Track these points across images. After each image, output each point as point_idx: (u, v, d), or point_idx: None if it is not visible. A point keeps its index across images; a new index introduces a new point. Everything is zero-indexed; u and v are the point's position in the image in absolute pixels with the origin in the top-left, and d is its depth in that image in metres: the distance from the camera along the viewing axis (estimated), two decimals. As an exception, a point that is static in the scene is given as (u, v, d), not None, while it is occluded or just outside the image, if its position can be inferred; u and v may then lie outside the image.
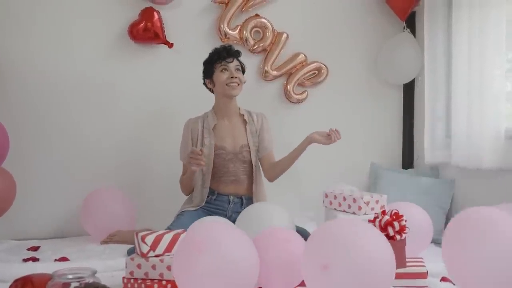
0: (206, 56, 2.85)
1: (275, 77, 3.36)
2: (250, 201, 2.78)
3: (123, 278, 1.97)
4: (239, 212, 2.50)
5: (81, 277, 1.66)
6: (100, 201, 2.87)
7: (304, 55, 3.37)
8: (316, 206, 2.64)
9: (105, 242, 2.79)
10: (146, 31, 3.09)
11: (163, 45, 3.17)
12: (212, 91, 2.83)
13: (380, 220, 2.13)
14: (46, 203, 3.07)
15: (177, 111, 3.17)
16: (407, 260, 2.12)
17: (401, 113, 3.60)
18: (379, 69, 3.50)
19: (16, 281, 1.88)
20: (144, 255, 1.95)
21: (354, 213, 2.26)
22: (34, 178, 3.04)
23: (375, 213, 2.23)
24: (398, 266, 1.74)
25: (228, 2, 3.23)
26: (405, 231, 2.12)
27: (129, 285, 1.96)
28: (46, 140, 3.07)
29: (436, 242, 2.86)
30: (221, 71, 2.74)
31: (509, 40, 2.75)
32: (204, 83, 2.84)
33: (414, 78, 3.49)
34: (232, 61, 2.74)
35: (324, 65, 3.40)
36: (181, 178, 2.81)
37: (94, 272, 1.71)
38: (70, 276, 1.67)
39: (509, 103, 2.83)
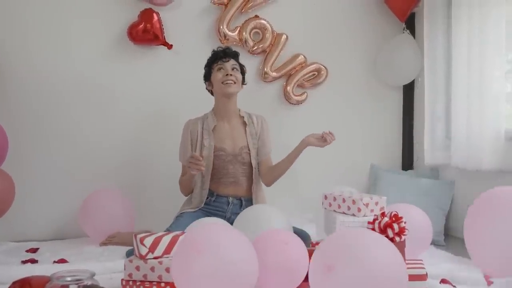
0: (205, 57, 2.85)
1: (275, 78, 3.36)
2: (249, 202, 2.78)
3: (122, 280, 1.97)
4: (238, 214, 2.49)
5: (80, 279, 1.65)
6: (99, 202, 2.86)
7: (304, 56, 3.37)
8: (316, 207, 2.64)
9: (104, 243, 2.79)
10: (146, 32, 3.09)
11: (162, 46, 3.17)
12: (213, 93, 2.84)
13: (380, 222, 2.13)
14: (45, 205, 3.06)
15: (177, 112, 3.17)
16: (406, 262, 2.11)
17: (400, 115, 3.60)
18: (379, 71, 3.49)
19: (14, 283, 1.88)
20: (143, 257, 1.95)
21: (353, 214, 2.25)
22: (33, 179, 3.03)
23: (375, 214, 2.22)
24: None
25: (227, 3, 3.22)
26: (404, 233, 2.11)
27: (127, 287, 1.95)
28: (45, 142, 3.06)
29: (436, 243, 2.87)
30: (218, 70, 2.75)
31: (509, 41, 2.75)
32: (206, 88, 2.85)
33: (414, 79, 3.49)
34: (228, 61, 2.75)
35: (324, 66, 3.40)
36: (180, 179, 2.81)
37: (92, 274, 1.71)
38: (69, 279, 1.66)
39: (509, 104, 2.83)
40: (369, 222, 2.18)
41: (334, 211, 2.35)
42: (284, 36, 3.32)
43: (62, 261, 2.45)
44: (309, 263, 1.71)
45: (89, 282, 1.66)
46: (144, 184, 3.21)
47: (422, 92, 3.35)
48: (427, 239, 2.44)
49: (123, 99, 3.17)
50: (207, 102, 2.87)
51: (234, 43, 3.25)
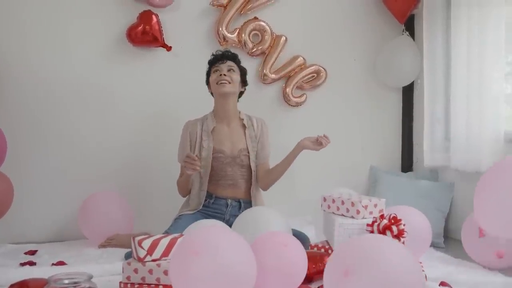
0: (204, 59, 2.86)
1: (274, 80, 3.35)
2: (248, 204, 2.77)
3: (120, 283, 1.96)
4: (237, 216, 2.49)
5: (77, 282, 1.66)
6: (98, 204, 2.86)
7: (303, 58, 3.36)
8: (315, 209, 2.63)
9: (103, 246, 2.78)
10: (145, 34, 3.09)
11: (161, 48, 3.16)
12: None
13: (379, 224, 2.13)
14: (44, 207, 3.06)
15: (176, 114, 3.16)
16: (405, 264, 2.11)
17: (400, 116, 3.60)
18: (378, 72, 3.49)
19: (12, 286, 1.88)
20: (141, 260, 1.94)
21: (352, 217, 2.25)
22: (31, 181, 3.02)
23: (374, 217, 2.22)
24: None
25: (226, 5, 3.22)
26: (403, 235, 2.11)
27: (126, 289, 1.95)
28: (44, 143, 3.06)
29: (435, 246, 2.86)
30: (214, 72, 2.77)
31: (508, 42, 2.74)
32: (209, 91, 2.86)
33: (413, 81, 3.48)
34: (225, 62, 2.76)
35: (323, 68, 3.40)
36: (178, 179, 2.81)
37: (90, 277, 1.71)
38: (66, 281, 1.67)
39: (508, 106, 2.83)
40: (368, 225, 2.18)
41: (333, 213, 2.34)
42: (283, 38, 3.32)
43: (61, 263, 2.44)
44: (324, 268, 1.69)
45: (86, 285, 1.67)
46: (143, 186, 3.21)
47: (421, 94, 3.34)
48: (426, 241, 2.43)
49: (122, 101, 3.17)
50: (206, 104, 2.87)
51: (233, 45, 3.25)
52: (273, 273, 1.89)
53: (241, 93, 2.87)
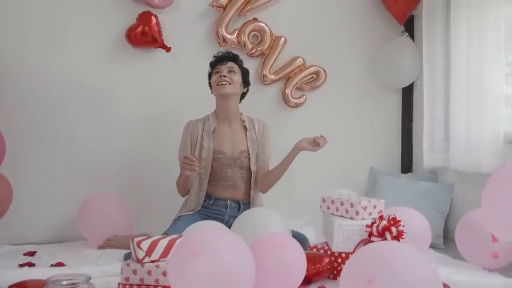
0: (204, 60, 2.87)
1: (273, 81, 3.35)
2: (247, 206, 2.77)
3: (119, 284, 1.96)
4: (236, 217, 2.48)
5: (75, 283, 1.65)
6: (97, 205, 2.85)
7: (302, 59, 3.36)
8: (314, 210, 2.62)
9: (102, 247, 2.78)
10: (144, 35, 3.08)
11: (160, 49, 3.16)
12: None
13: (378, 225, 2.13)
14: (43, 208, 3.05)
15: (175, 115, 3.16)
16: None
17: (399, 117, 3.59)
18: (378, 73, 3.49)
19: (10, 287, 1.88)
20: (139, 261, 1.94)
21: (351, 218, 2.24)
22: (31, 182, 3.02)
23: (373, 218, 2.22)
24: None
25: (226, 6, 3.22)
26: (402, 236, 2.11)
27: (124, 291, 1.94)
28: (43, 144, 3.05)
29: (435, 247, 2.85)
30: (215, 73, 2.77)
31: (508, 43, 2.74)
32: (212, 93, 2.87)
33: (412, 82, 3.48)
34: (225, 64, 2.75)
35: (322, 69, 3.39)
36: (178, 179, 2.80)
37: (88, 278, 1.71)
38: (64, 282, 1.67)
39: (508, 107, 2.83)
40: (367, 226, 2.17)
41: (332, 214, 2.34)
42: (282, 39, 3.32)
43: (60, 264, 2.44)
44: (343, 274, 1.69)
45: (85, 286, 1.66)
46: (143, 187, 3.20)
47: (421, 95, 3.34)
48: (426, 242, 2.43)
49: (121, 102, 3.16)
50: (206, 105, 2.87)
51: (233, 46, 3.25)
52: (272, 274, 1.88)
53: (243, 95, 2.87)
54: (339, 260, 2.24)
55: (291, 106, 3.39)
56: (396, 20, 3.40)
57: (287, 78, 3.37)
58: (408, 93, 3.56)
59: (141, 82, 3.19)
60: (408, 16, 3.38)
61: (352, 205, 2.25)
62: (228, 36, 3.24)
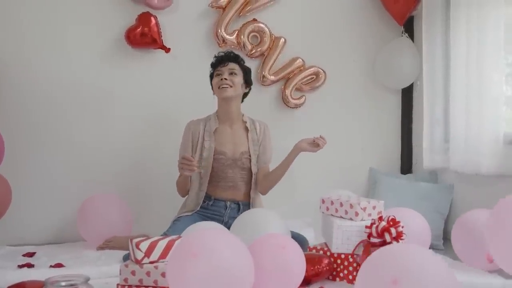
0: (203, 60, 2.88)
1: (273, 82, 3.35)
2: (247, 207, 2.77)
3: (117, 285, 1.95)
4: (236, 218, 2.48)
5: (74, 284, 1.65)
6: (96, 206, 2.85)
7: (302, 59, 3.36)
8: (314, 211, 2.62)
9: (101, 248, 2.78)
10: (143, 36, 3.08)
11: (160, 50, 3.16)
12: None
13: (377, 226, 2.12)
14: (43, 209, 3.05)
15: (175, 116, 3.16)
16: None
17: (399, 118, 3.59)
18: (377, 74, 3.49)
19: (9, 288, 1.87)
20: (138, 262, 1.94)
21: (351, 219, 2.24)
22: (30, 183, 3.02)
23: (372, 219, 2.21)
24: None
25: (225, 6, 3.22)
26: (402, 237, 2.10)
27: (123, 292, 1.94)
28: (42, 145, 3.05)
29: (435, 248, 2.85)
30: (216, 76, 2.77)
31: (508, 44, 2.73)
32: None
33: (412, 83, 3.48)
34: (226, 65, 2.75)
35: (322, 69, 3.39)
36: (177, 179, 2.80)
37: (87, 279, 1.70)
38: (63, 283, 1.66)
39: (508, 107, 2.82)
40: (366, 227, 2.17)
41: (332, 215, 2.33)
42: (282, 40, 3.32)
43: (59, 265, 2.43)
44: (358, 274, 1.67)
45: (83, 287, 1.65)
46: (142, 188, 3.20)
47: (420, 95, 3.34)
48: (426, 243, 2.43)
49: (120, 103, 3.16)
50: (206, 105, 2.87)
51: (232, 46, 3.25)
52: (271, 275, 1.88)
53: (245, 95, 2.86)
54: (339, 261, 2.24)
55: (290, 107, 3.39)
56: (396, 20, 3.40)
57: (287, 79, 3.37)
58: (407, 94, 3.56)
59: (140, 83, 3.19)
60: (407, 16, 3.38)
61: (351, 206, 2.25)
62: (227, 36, 3.24)
